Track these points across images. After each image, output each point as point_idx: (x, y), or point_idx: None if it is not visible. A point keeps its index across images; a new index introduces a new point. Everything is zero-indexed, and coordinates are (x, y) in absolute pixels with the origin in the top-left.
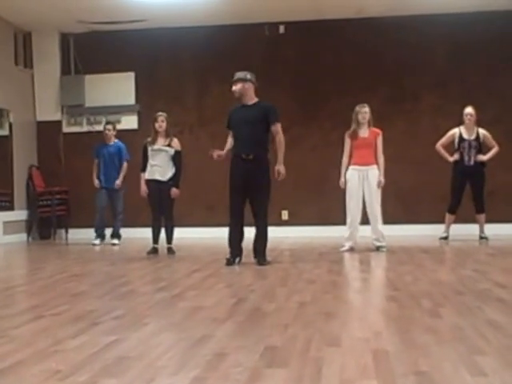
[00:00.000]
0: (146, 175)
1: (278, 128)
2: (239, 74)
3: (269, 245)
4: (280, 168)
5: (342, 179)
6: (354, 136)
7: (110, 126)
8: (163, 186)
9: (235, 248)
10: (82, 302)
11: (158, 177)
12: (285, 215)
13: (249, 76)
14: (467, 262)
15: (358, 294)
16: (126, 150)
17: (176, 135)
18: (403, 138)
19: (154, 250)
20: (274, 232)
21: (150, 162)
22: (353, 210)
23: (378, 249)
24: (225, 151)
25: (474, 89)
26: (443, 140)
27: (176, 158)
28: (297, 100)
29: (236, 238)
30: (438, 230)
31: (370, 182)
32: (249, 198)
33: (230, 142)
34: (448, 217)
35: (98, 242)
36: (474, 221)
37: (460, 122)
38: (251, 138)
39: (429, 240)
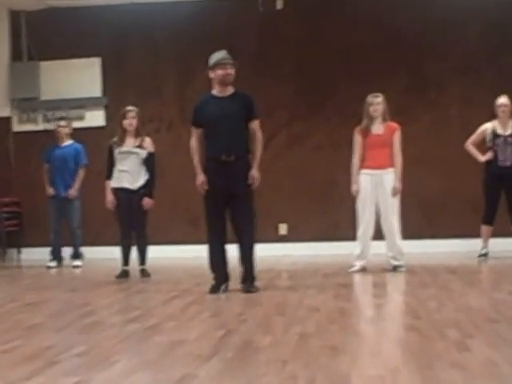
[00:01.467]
0: (113, 183)
1: (257, 125)
2: (226, 55)
3: (263, 265)
4: (255, 173)
5: (355, 186)
6: (366, 133)
7: (63, 123)
8: (134, 196)
9: (220, 272)
10: (37, 336)
11: (127, 185)
12: (283, 229)
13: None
14: (502, 283)
15: (371, 324)
16: (83, 153)
17: (149, 134)
18: (426, 136)
19: (125, 274)
20: (269, 250)
21: (118, 167)
22: (365, 222)
23: (394, 269)
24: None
25: None
26: (473, 137)
27: (149, 162)
28: (298, 90)
29: (220, 260)
30: (467, 246)
31: (386, 189)
32: (230, 209)
33: (196, 146)
34: (484, 229)
35: (53, 264)
36: (509, 234)
37: (493, 116)
38: (232, 136)
39: (457, 258)
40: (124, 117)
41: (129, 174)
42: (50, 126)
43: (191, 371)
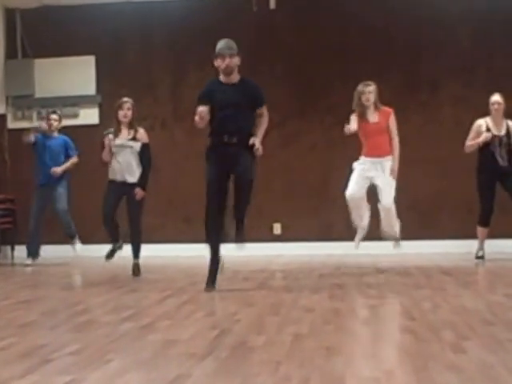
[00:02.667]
0: (109, 174)
1: (265, 109)
2: (226, 45)
3: (258, 264)
4: (257, 141)
5: (353, 124)
6: (362, 121)
7: (56, 116)
8: (127, 190)
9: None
10: (31, 334)
11: (119, 178)
12: (277, 229)
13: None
14: (497, 285)
15: (366, 325)
16: (72, 145)
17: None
18: (419, 136)
19: (112, 252)
20: (263, 249)
21: (113, 159)
22: (354, 181)
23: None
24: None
25: (505, 75)
26: (471, 136)
27: (144, 153)
28: (292, 89)
29: (218, 240)
30: (462, 246)
31: (386, 174)
32: (234, 177)
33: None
34: (480, 230)
35: (29, 261)
36: (504, 235)
37: (486, 114)
38: (235, 121)
39: (451, 259)
40: (120, 107)
41: (121, 167)
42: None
43: (185, 371)
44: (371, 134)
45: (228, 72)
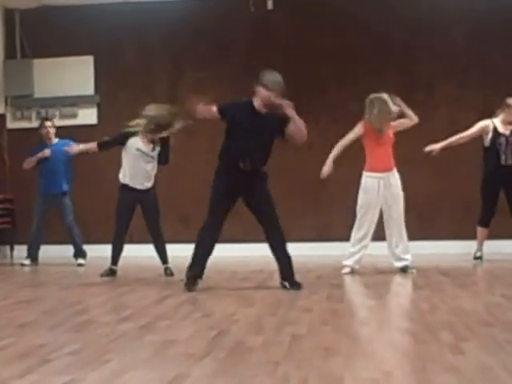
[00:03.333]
0: (125, 180)
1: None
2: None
3: (256, 265)
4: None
5: (326, 167)
6: (375, 131)
7: (49, 123)
8: (144, 196)
9: (202, 266)
10: (30, 334)
11: (138, 186)
12: None
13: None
14: (495, 286)
15: (364, 326)
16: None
17: None
18: (415, 136)
19: (111, 272)
20: (261, 250)
21: (131, 164)
22: (368, 225)
23: (403, 270)
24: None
25: (500, 76)
26: (470, 132)
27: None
28: (288, 89)
29: (206, 255)
30: (460, 247)
31: (393, 190)
32: (255, 214)
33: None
34: (480, 231)
35: (27, 262)
36: (503, 236)
37: (481, 113)
38: (255, 150)
39: (450, 259)
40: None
41: (141, 175)
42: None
43: (184, 371)
44: (382, 145)
45: (267, 107)
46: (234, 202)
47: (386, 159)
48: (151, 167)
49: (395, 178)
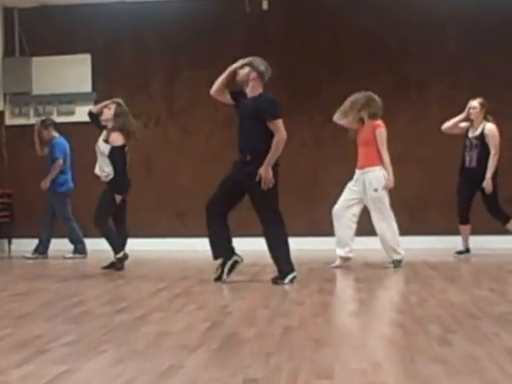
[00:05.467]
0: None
1: (275, 125)
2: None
3: (249, 259)
4: (262, 170)
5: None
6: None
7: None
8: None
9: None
10: (27, 325)
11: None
12: None
13: (262, 67)
14: (482, 280)
15: (354, 318)
16: (56, 149)
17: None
18: (407, 134)
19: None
20: (254, 244)
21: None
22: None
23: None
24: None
25: (491, 76)
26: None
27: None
28: (283, 88)
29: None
30: (449, 242)
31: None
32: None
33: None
34: (460, 228)
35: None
36: (488, 232)
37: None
38: (245, 137)
39: (438, 254)
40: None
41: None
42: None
43: (177, 362)
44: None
45: (239, 81)
46: (237, 191)
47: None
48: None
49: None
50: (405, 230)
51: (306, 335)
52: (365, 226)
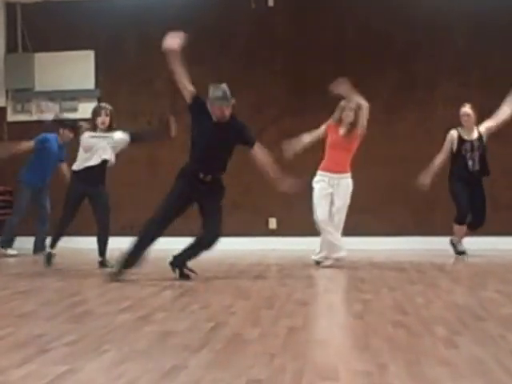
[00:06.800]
0: None
1: (256, 148)
2: (225, 95)
3: (253, 258)
4: (283, 184)
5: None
6: (334, 129)
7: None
8: None
9: (138, 257)
10: (28, 324)
11: None
12: (272, 224)
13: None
14: (488, 281)
15: (359, 319)
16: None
17: (142, 127)
18: (414, 133)
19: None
20: (258, 243)
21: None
22: (321, 215)
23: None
24: None
25: (499, 75)
26: (444, 148)
27: None
28: (288, 85)
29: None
30: None
31: (340, 193)
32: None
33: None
34: (457, 229)
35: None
36: (497, 233)
37: (479, 113)
38: (216, 161)
39: (444, 255)
40: (97, 114)
41: None
42: (42, 117)
43: (181, 362)
44: (336, 148)
45: (223, 120)
46: (188, 206)
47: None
48: None
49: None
50: (409, 231)
51: (310, 336)
52: (369, 227)
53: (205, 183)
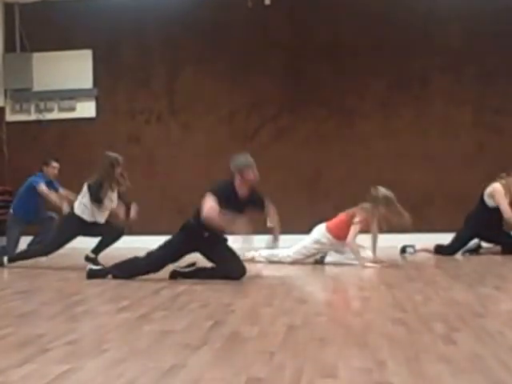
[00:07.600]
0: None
1: (267, 206)
2: (251, 159)
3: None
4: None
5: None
6: None
7: (57, 164)
8: None
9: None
10: (29, 323)
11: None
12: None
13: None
14: (487, 278)
15: (358, 317)
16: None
17: (140, 125)
18: (410, 130)
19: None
20: (257, 241)
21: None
22: None
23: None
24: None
25: (494, 72)
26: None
27: None
28: (285, 83)
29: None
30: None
31: None
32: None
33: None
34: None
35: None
36: None
37: (474, 110)
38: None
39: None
40: (118, 164)
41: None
42: (41, 117)
43: (180, 360)
44: None
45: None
46: (189, 253)
47: None
48: None
49: None
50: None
51: (309, 334)
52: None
53: (208, 237)
